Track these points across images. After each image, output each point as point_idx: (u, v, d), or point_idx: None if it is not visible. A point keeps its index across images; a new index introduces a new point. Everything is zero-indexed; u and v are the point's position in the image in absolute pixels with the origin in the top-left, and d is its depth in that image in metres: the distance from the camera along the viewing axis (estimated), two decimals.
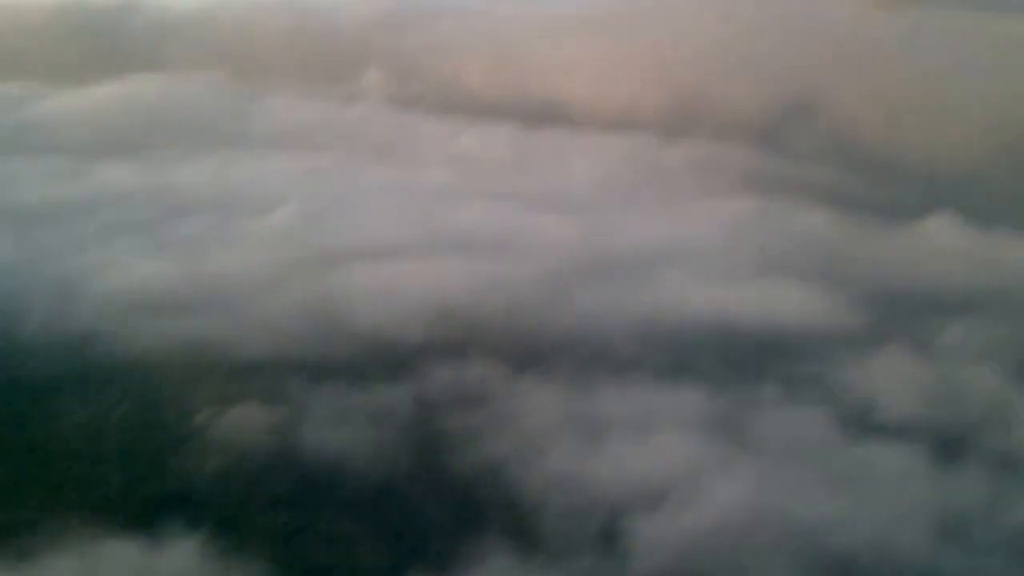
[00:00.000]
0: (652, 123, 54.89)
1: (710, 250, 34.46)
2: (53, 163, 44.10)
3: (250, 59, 70.88)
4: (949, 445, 20.44)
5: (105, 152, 47.38)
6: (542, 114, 55.85)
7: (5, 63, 76.95)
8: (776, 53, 58.03)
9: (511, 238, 32.93)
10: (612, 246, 33.56)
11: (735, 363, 24.34)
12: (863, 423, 21.25)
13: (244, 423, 21.02)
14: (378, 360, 24.02)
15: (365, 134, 53.47)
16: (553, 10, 65.46)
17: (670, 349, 25.08)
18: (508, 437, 20.42)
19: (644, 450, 19.71)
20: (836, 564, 16.38)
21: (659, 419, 21.32)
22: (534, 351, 24.89)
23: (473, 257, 30.62)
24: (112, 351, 23.41)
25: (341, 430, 20.68)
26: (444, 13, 70.87)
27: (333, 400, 22.33)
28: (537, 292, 27.99)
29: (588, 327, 26.04)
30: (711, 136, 53.90)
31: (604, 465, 19.20)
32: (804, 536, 16.75)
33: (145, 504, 18.05)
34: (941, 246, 35.80)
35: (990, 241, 36.02)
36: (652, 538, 16.78)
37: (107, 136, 51.56)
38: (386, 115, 58.16)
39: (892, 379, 22.51)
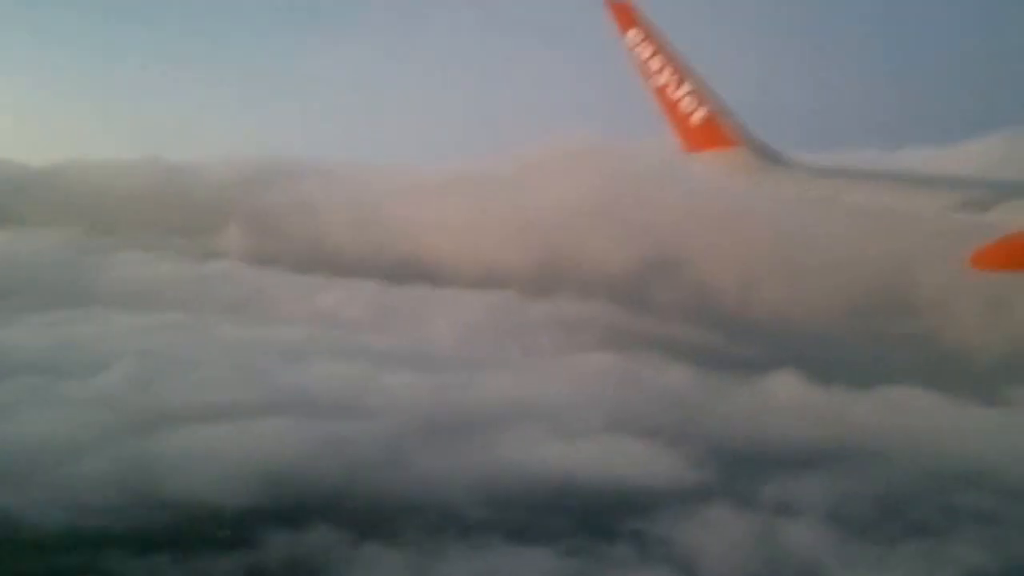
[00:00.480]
0: (515, 280, 55.39)
1: (563, 407, 33.72)
2: None
3: (108, 216, 69.82)
4: None
5: None
6: (404, 272, 56.01)
7: None
8: (638, 212, 59.96)
9: (358, 397, 31.60)
10: (463, 404, 32.48)
11: (585, 523, 23.45)
12: None
13: None
14: (206, 529, 22.22)
15: (219, 291, 52.35)
16: (417, 169, 66.76)
17: (520, 510, 23.95)
18: None
19: None
20: None
21: None
22: (377, 515, 23.43)
23: (316, 417, 28.99)
24: None
25: None
26: (308, 172, 71.84)
27: (154, 574, 20.43)
28: (382, 453, 26.61)
29: (435, 489, 24.75)
30: (573, 293, 54.59)
31: None
32: None
33: None
34: (786, 402, 36.20)
35: (831, 397, 36.69)
36: None
37: None
38: (244, 272, 57.32)
39: (727, 536, 22.01)
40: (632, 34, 15.12)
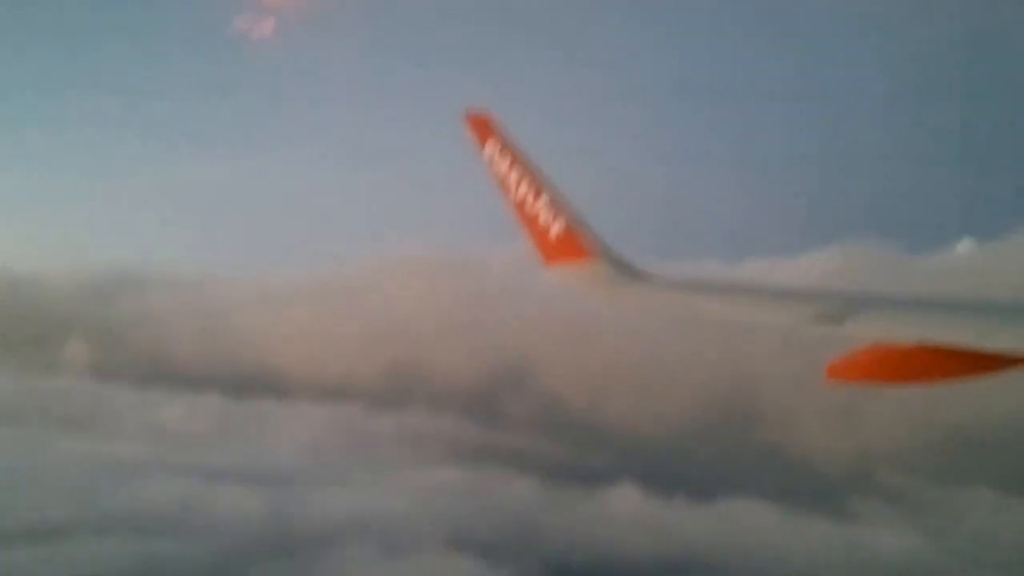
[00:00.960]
0: (364, 393, 55.58)
1: (402, 524, 34.24)
2: None
3: None
4: None
5: None
6: (250, 384, 55.57)
7: None
8: (488, 324, 61.06)
9: (189, 516, 31.43)
10: (297, 522, 32.63)
11: None
12: None
13: None
14: None
15: (60, 406, 50.77)
16: (267, 279, 66.83)
17: None
18: None
19: None
20: None
21: None
22: None
23: (144, 537, 28.84)
24: None
25: None
26: (156, 282, 70.98)
27: None
28: (209, 571, 26.53)
29: None
30: (423, 406, 55.03)
31: None
32: None
33: None
34: (628, 515, 37.18)
35: (674, 510, 37.83)
36: None
37: None
38: (86, 386, 55.93)
39: None
40: (490, 147, 15.62)
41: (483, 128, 15.42)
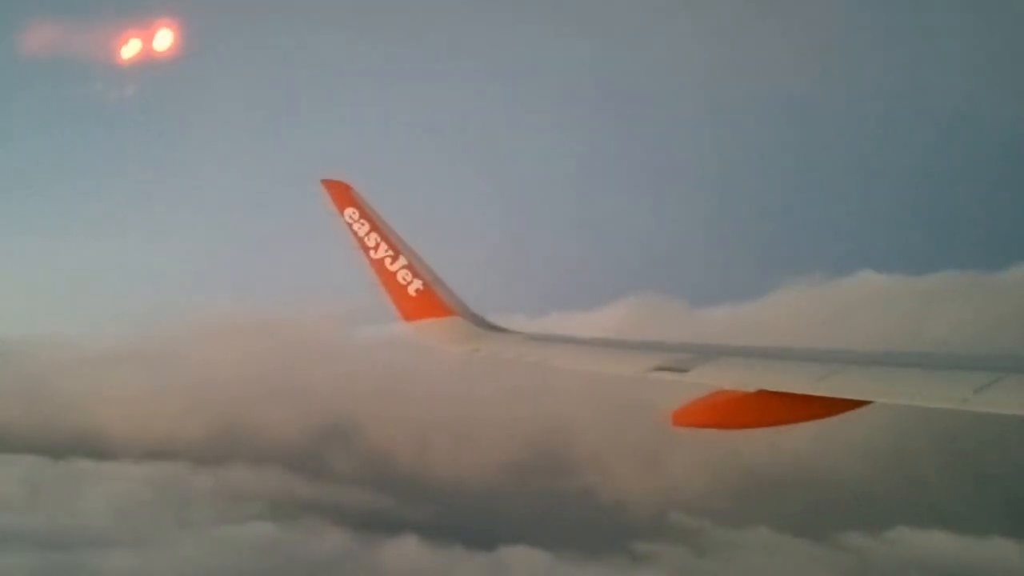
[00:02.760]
0: (187, 452, 55.61)
1: None
2: None
3: None
4: None
5: None
6: (71, 447, 54.89)
7: None
8: (310, 381, 61.85)
9: None
10: None
11: None
12: None
13: None
14: None
15: None
16: (85, 344, 66.35)
17: None
18: None
19: None
20: None
21: None
22: None
23: None
24: None
25: None
26: None
27: None
28: None
29: None
30: (247, 463, 55.44)
31: None
32: None
33: None
34: (405, 563, 38.70)
35: (446, 557, 39.49)
36: None
37: None
38: None
39: None
40: (349, 212, 16.58)
41: (341, 194, 16.61)
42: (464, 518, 45.98)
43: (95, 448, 55.16)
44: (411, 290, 15.97)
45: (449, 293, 16.50)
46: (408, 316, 16.18)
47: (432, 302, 16.11)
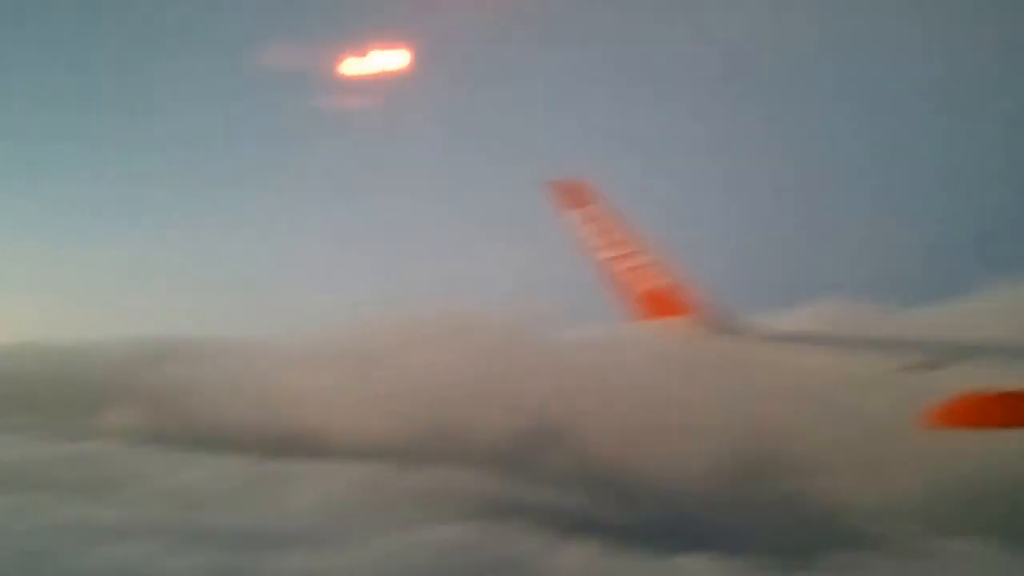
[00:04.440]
0: (393, 452, 54.44)
1: None
2: None
3: None
4: None
5: None
6: (281, 446, 55.06)
7: None
8: (516, 381, 59.72)
9: None
10: None
11: None
12: None
13: None
14: None
15: (82, 471, 50.71)
16: (289, 344, 67.04)
17: None
18: None
19: None
20: None
21: None
22: None
23: None
24: None
25: None
26: (189, 349, 72.51)
27: None
28: None
29: None
30: (451, 463, 53.61)
31: None
32: None
33: None
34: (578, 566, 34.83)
35: (626, 561, 35.43)
36: None
37: None
38: (115, 452, 56.01)
39: None
40: (577, 210, 15.48)
41: (570, 192, 15.05)
42: (665, 522, 42.09)
43: (302, 448, 54.97)
44: (644, 288, 14.90)
45: (684, 291, 14.96)
46: (641, 314, 14.81)
47: (667, 300, 15.49)
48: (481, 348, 61.07)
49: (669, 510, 44.58)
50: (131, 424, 62.14)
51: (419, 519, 43.52)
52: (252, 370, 65.52)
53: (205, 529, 39.54)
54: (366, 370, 60.98)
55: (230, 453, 54.41)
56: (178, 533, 37.56)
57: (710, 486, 47.90)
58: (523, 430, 55.61)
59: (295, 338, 67.53)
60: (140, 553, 34.20)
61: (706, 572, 34.99)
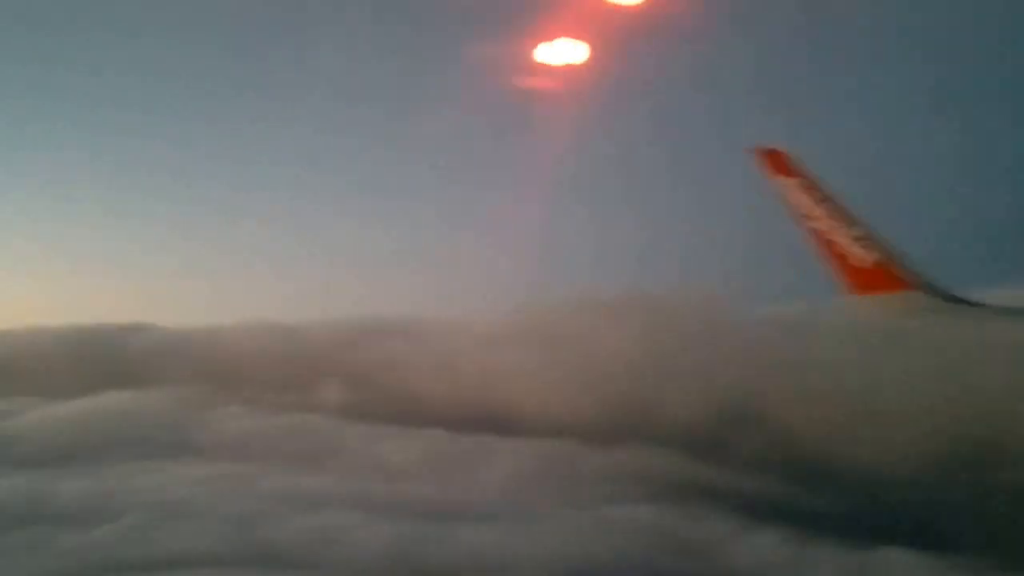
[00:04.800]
0: (583, 431, 54.74)
1: (560, 563, 32.77)
2: None
3: (228, 375, 75.46)
4: None
5: (40, 463, 49.45)
6: (474, 421, 56.61)
7: (13, 381, 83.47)
8: (714, 360, 58.38)
9: (330, 550, 31.89)
10: (445, 558, 32.21)
11: None
12: None
13: None
14: None
15: (296, 443, 54.41)
16: (484, 323, 68.60)
17: None
18: None
19: None
20: None
21: None
22: None
23: (280, 570, 29.92)
24: None
25: None
26: (394, 330, 75.97)
27: None
28: None
29: None
30: (641, 444, 53.28)
31: None
32: None
33: None
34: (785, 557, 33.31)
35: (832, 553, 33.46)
36: None
37: (56, 448, 53.91)
38: (326, 424, 59.60)
39: None
40: (786, 180, 15.40)
41: (778, 162, 14.87)
42: (867, 512, 39.63)
43: (496, 424, 56.36)
44: (861, 262, 13.83)
45: (907, 264, 13.73)
46: (857, 288, 13.95)
47: (887, 274, 13.75)
48: (675, 327, 60.09)
49: (873, 499, 42.40)
50: (339, 399, 66.16)
51: (607, 499, 43.68)
52: (450, 348, 67.81)
53: (401, 501, 41.00)
54: (559, 350, 61.56)
55: (428, 427, 56.69)
56: (375, 504, 39.33)
57: (922, 475, 44.91)
58: (718, 411, 54.26)
59: (490, 318, 69.27)
60: (339, 523, 36.15)
61: (909, 568, 32.96)
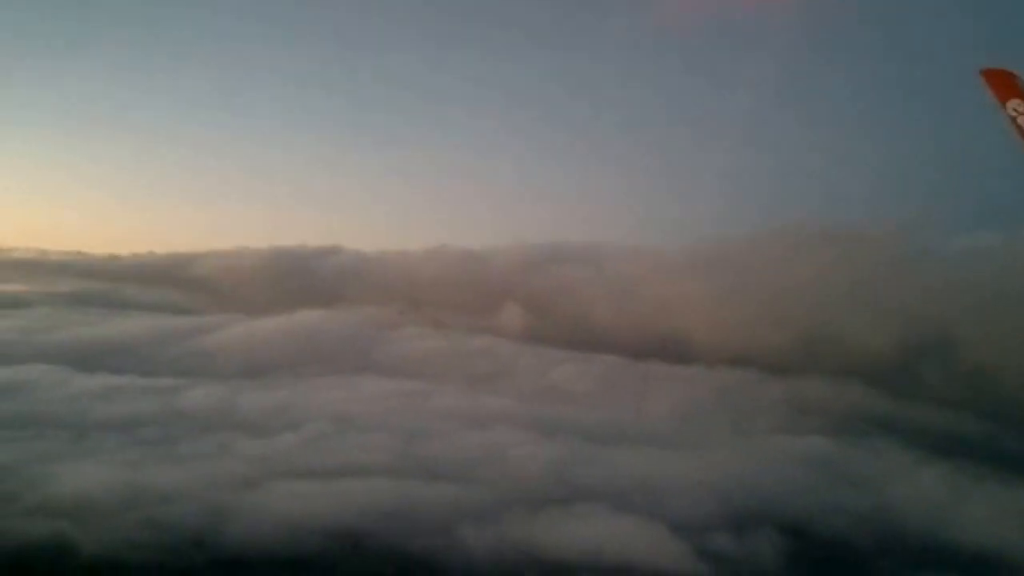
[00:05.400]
0: (764, 361, 52.95)
1: (714, 493, 31.79)
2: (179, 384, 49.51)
3: (414, 297, 77.85)
4: None
5: (235, 375, 52.92)
6: (650, 348, 55.86)
7: (220, 297, 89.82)
8: (902, 292, 54.80)
9: (494, 465, 32.41)
10: (598, 480, 32.01)
11: None
12: None
13: None
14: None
15: (473, 364, 55.58)
16: (663, 250, 66.93)
17: None
18: None
19: None
20: None
21: None
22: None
23: (442, 482, 30.57)
24: None
25: None
26: (572, 255, 75.54)
27: None
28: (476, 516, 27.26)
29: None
30: (821, 375, 50.97)
31: None
32: None
33: None
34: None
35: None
36: None
37: (251, 361, 57.48)
38: (503, 347, 60.42)
39: None
40: (1016, 104, 14.71)
41: (1006, 85, 13.94)
42: None
43: (672, 352, 55.36)
44: None
45: None
46: None
47: None
48: (863, 258, 56.75)
49: None
50: (518, 323, 66.90)
51: (782, 429, 42.10)
52: (631, 275, 66.94)
53: (569, 423, 41.03)
54: (742, 279, 59.52)
55: (604, 353, 56.41)
56: (543, 425, 39.55)
57: None
58: (905, 344, 51.04)
59: (673, 246, 67.76)
60: (503, 441, 36.63)
61: None
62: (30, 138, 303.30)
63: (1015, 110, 13.05)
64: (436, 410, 42.85)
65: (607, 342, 58.15)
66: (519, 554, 24.87)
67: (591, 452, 35.52)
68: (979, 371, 47.47)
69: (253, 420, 39.76)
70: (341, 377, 51.52)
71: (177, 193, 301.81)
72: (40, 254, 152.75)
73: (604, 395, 48.78)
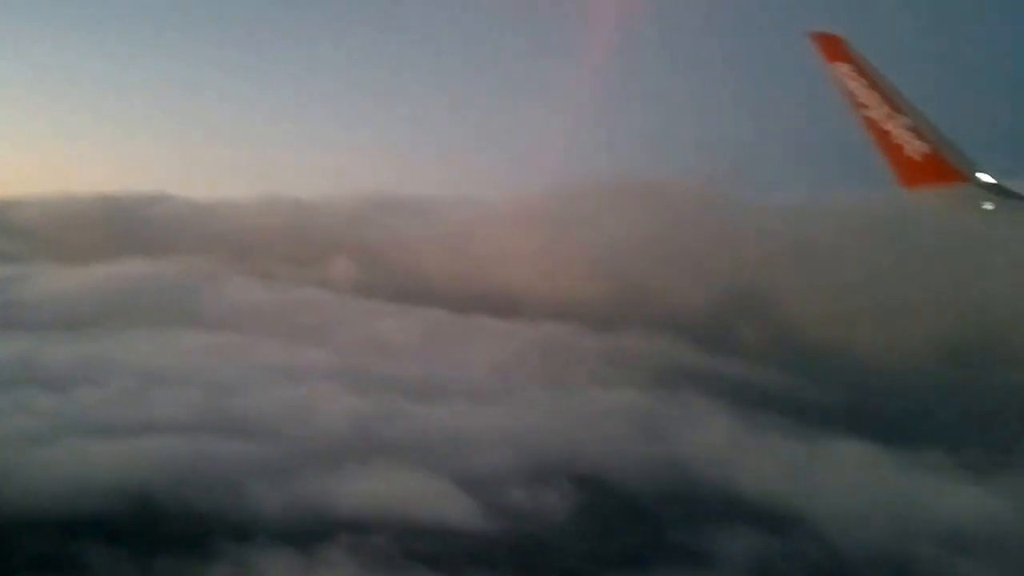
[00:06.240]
0: (583, 315, 54.56)
1: (518, 443, 32.96)
2: None
3: (241, 247, 76.22)
4: None
5: (45, 327, 50.86)
6: (476, 302, 56.70)
7: (40, 245, 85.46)
8: (713, 247, 57.47)
9: (299, 421, 32.73)
10: (403, 433, 32.70)
11: None
12: None
13: None
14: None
15: (296, 316, 55.34)
16: (487, 201, 68.10)
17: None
18: None
19: None
20: None
21: None
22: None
23: (242, 438, 30.54)
24: None
25: None
26: (410, 205, 75.95)
27: None
28: (272, 472, 27.47)
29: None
30: (642, 330, 52.99)
31: None
32: None
33: None
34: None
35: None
36: None
37: (64, 313, 55.27)
38: (328, 299, 60.33)
39: None
40: (841, 67, 14.81)
41: (834, 48, 14.18)
42: (852, 405, 39.45)
43: (497, 305, 56.40)
44: (914, 153, 13.48)
45: (960, 157, 13.99)
46: (908, 181, 14.10)
47: (940, 167, 13.86)
48: (681, 214, 59.25)
49: (863, 393, 41.96)
50: (346, 275, 66.57)
51: (598, 382, 43.72)
52: (459, 228, 67.53)
53: (388, 377, 41.40)
54: (562, 233, 61.10)
55: (430, 306, 56.97)
56: (360, 379, 39.82)
57: (917, 371, 44.23)
58: (718, 300, 53.68)
59: (504, 198, 68.74)
60: (317, 395, 36.77)
61: (857, 460, 32.63)
62: None
63: (842, 72, 14.10)
64: (251, 364, 42.55)
65: (434, 295, 58.69)
66: (308, 512, 25.11)
67: (401, 407, 36.06)
68: (787, 326, 50.49)
69: (56, 374, 38.47)
70: (158, 330, 50.22)
71: None
72: None
73: (425, 349, 49.34)
